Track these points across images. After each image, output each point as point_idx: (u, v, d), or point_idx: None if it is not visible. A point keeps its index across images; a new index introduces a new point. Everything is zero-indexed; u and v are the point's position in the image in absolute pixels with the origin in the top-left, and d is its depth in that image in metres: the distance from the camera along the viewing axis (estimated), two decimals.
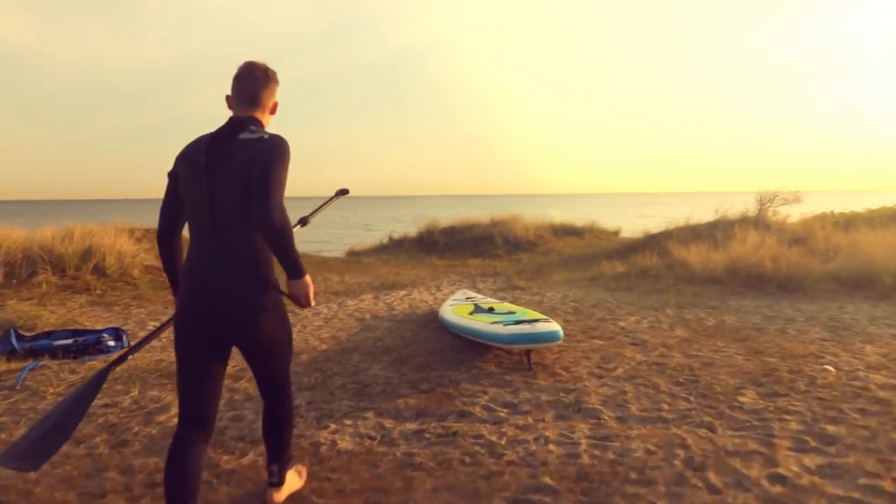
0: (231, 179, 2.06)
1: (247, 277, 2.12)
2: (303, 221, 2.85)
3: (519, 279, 9.50)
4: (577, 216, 20.90)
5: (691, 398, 3.78)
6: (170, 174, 2.22)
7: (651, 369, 4.40)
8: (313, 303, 2.19)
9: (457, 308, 5.69)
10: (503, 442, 3.18)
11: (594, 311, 6.75)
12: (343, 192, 3.15)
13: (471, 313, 5.32)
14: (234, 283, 2.11)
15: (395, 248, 15.63)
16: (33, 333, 5.34)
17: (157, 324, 6.13)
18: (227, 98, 2.23)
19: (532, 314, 5.04)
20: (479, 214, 17.00)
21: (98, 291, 7.82)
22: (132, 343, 5.24)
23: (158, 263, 10.37)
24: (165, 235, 2.29)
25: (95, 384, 2.37)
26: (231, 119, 2.19)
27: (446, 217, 17.50)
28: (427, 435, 3.27)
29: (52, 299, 7.31)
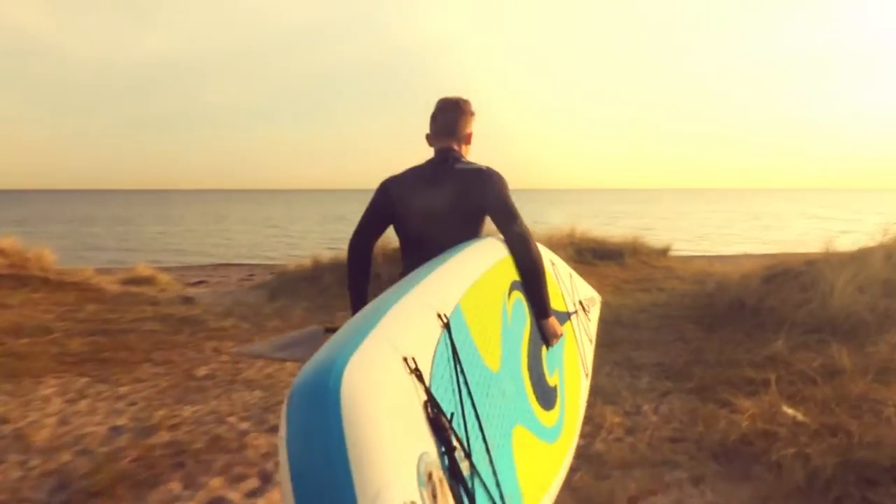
0: (451, 203, 2.21)
1: None
2: None
3: None
4: (597, 218, 14.57)
5: None
6: (380, 189, 2.35)
7: None
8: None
9: None
10: None
11: None
12: None
13: None
14: None
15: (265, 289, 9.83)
16: None
17: None
18: (427, 137, 2.38)
19: None
20: None
21: None
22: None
23: None
24: (359, 244, 2.36)
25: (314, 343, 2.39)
26: (439, 151, 2.34)
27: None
28: None
29: None
